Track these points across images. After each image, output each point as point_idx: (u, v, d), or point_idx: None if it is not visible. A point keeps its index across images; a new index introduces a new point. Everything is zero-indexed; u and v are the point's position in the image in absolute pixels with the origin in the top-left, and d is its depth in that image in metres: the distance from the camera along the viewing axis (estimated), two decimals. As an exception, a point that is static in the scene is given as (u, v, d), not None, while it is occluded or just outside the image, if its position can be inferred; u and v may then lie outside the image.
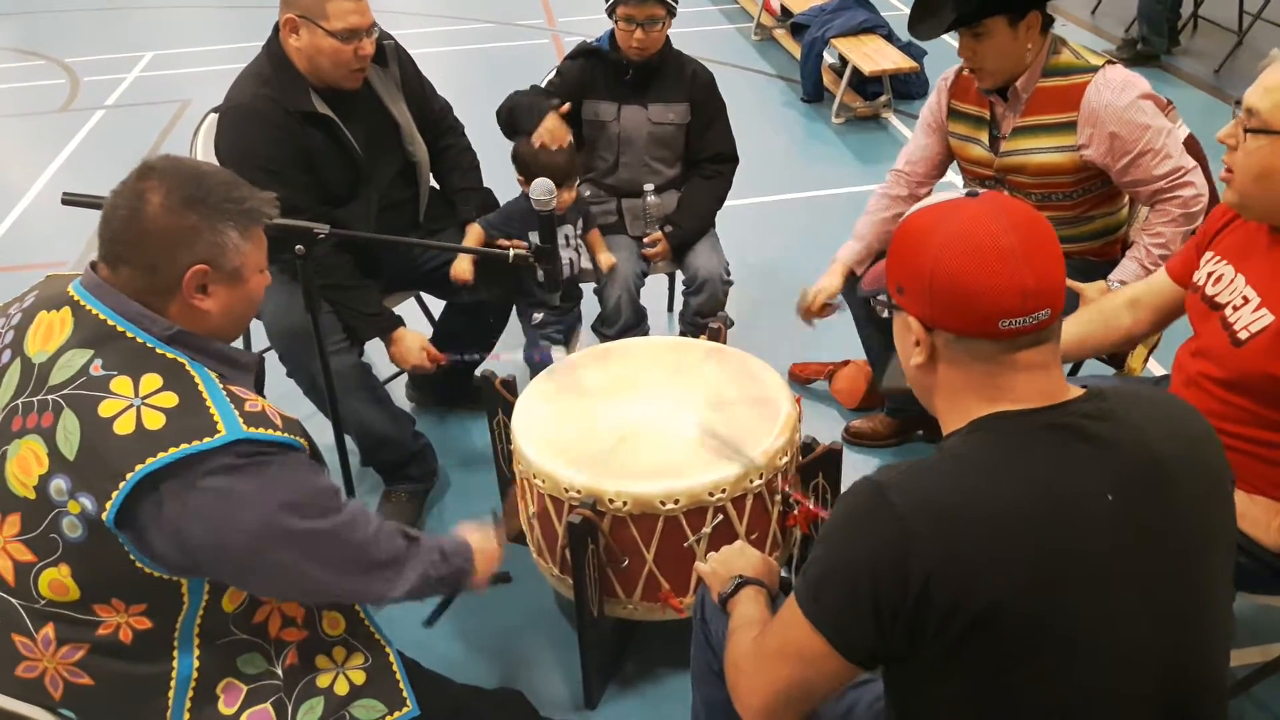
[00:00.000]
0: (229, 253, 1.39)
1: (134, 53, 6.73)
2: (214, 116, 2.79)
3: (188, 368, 1.35)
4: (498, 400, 2.28)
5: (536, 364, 2.32)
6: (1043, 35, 2.28)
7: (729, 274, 2.86)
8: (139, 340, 1.34)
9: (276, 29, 2.38)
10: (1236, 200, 1.69)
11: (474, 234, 2.72)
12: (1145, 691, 1.11)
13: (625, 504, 1.90)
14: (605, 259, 2.83)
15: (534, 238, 2.59)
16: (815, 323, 2.60)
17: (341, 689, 1.50)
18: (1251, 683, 1.93)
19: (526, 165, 2.64)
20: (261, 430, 1.33)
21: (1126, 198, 2.47)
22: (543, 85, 2.90)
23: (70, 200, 1.89)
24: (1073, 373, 2.61)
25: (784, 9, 6.13)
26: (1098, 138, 2.25)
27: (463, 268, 2.65)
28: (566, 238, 2.75)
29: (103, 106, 5.85)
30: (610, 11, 2.76)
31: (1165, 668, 1.11)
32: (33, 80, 6.37)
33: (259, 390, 1.50)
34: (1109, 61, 2.30)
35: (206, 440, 1.28)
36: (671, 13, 2.75)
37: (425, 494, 2.72)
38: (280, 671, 1.47)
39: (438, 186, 2.82)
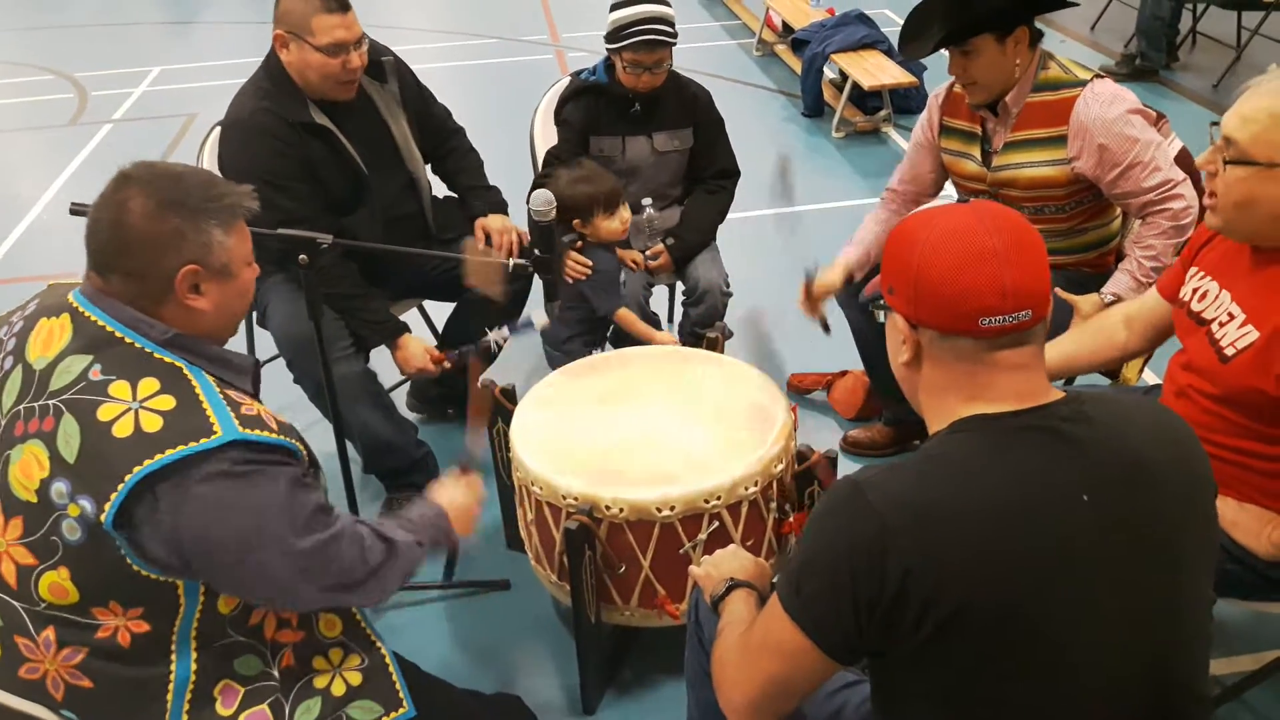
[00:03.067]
0: (215, 250, 1.41)
1: (141, 67, 6.80)
2: (220, 130, 2.84)
3: (185, 371, 1.37)
4: (497, 409, 2.31)
5: (520, 332, 2.30)
6: (1031, 50, 2.31)
7: (728, 285, 2.89)
8: (137, 345, 1.37)
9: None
10: (1220, 225, 1.72)
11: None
12: (1126, 689, 1.12)
13: (621, 511, 1.92)
14: (629, 255, 2.87)
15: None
16: (815, 314, 2.58)
17: (338, 690, 1.52)
18: (1244, 688, 1.94)
19: (571, 205, 2.58)
20: (257, 432, 1.35)
21: (1119, 210, 2.49)
22: (557, 144, 2.85)
23: (78, 210, 1.91)
24: (1067, 384, 2.63)
25: (785, 25, 6.18)
26: (1087, 150, 2.28)
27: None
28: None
29: (110, 120, 5.91)
30: (614, 51, 2.74)
31: (1145, 666, 1.13)
32: (41, 94, 6.43)
33: (256, 393, 1.53)
34: (1097, 75, 2.33)
35: (203, 441, 1.30)
36: (674, 45, 2.74)
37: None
38: (276, 673, 1.48)
39: (449, 193, 2.85)
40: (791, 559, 1.17)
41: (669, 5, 2.74)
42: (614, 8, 2.73)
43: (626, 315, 2.66)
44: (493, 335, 2.22)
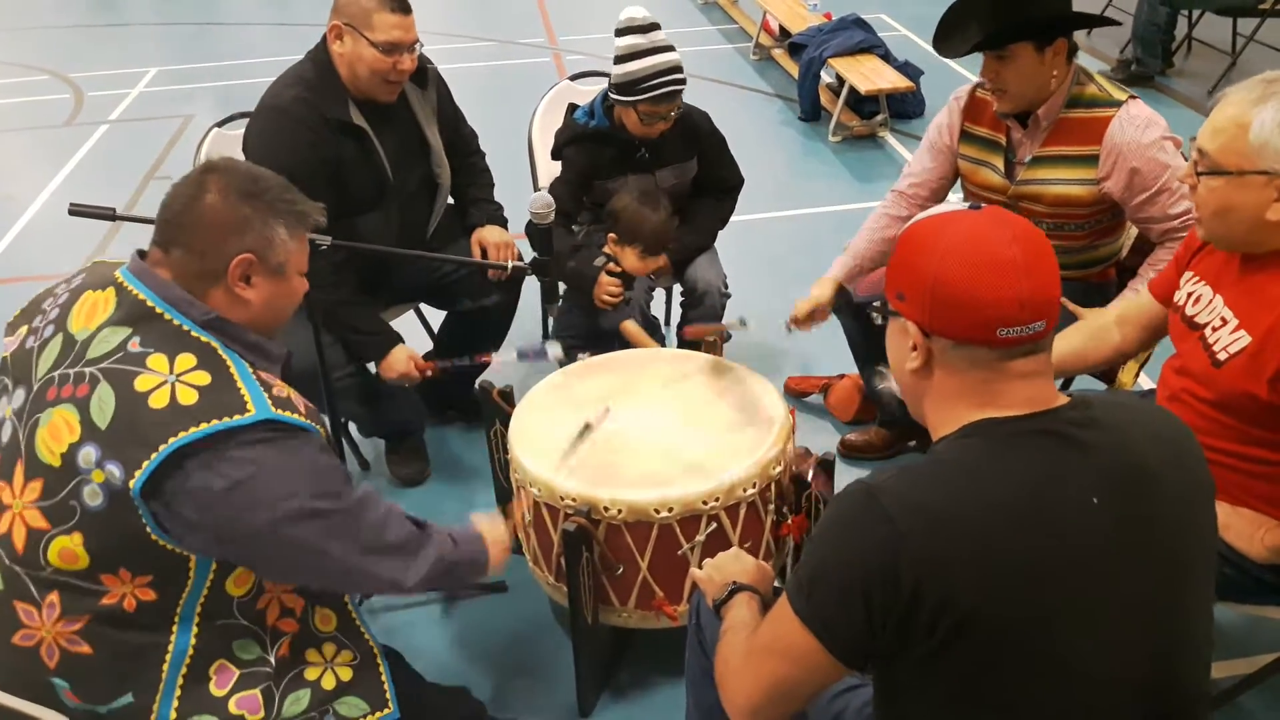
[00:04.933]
0: (276, 247, 1.46)
1: (138, 68, 6.79)
2: (217, 131, 2.84)
3: (220, 352, 1.41)
4: (495, 411, 2.31)
5: (531, 361, 2.31)
6: (1068, 63, 2.26)
7: (727, 287, 2.89)
8: (176, 323, 1.40)
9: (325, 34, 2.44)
10: (1206, 236, 1.75)
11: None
12: (1129, 690, 1.13)
13: (620, 512, 1.92)
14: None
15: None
16: (812, 328, 2.58)
17: (328, 683, 1.54)
18: (1237, 693, 1.94)
19: (621, 220, 2.62)
20: (288, 414, 1.39)
21: (1129, 226, 2.48)
22: (559, 181, 2.80)
23: (77, 211, 1.92)
24: (1064, 387, 2.64)
25: (782, 29, 6.19)
26: (1118, 172, 2.25)
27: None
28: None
29: (107, 121, 5.90)
30: (629, 104, 2.65)
31: (1149, 667, 1.14)
32: (37, 95, 6.42)
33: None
34: (1131, 97, 2.29)
35: (237, 418, 1.34)
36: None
37: (422, 436, 2.91)
38: (273, 660, 1.50)
39: (451, 201, 2.86)
40: (802, 562, 1.17)
41: (674, 49, 2.67)
42: (621, 59, 2.64)
43: (631, 328, 2.70)
44: (498, 359, 2.23)
